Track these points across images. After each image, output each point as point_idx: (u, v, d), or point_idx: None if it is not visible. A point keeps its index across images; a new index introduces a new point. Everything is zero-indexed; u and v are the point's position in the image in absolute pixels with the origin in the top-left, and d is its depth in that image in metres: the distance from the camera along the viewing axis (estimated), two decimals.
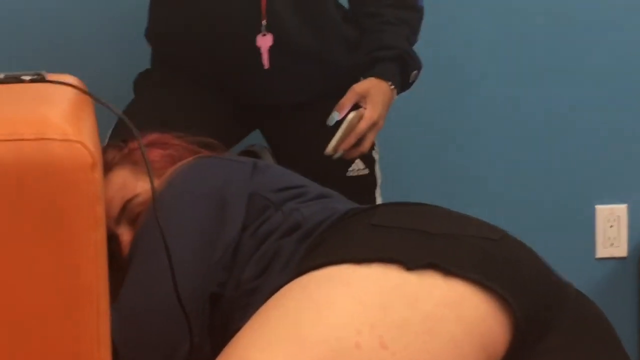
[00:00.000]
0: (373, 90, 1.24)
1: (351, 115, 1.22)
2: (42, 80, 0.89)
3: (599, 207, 1.62)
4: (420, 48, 1.31)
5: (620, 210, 1.61)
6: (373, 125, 1.24)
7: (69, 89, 0.88)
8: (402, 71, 1.29)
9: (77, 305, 0.70)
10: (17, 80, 0.89)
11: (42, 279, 0.69)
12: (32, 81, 0.89)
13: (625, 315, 1.59)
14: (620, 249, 1.61)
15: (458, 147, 1.63)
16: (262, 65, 1.25)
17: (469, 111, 1.62)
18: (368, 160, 1.34)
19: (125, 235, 1.07)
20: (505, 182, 1.62)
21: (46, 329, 0.70)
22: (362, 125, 1.22)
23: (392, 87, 1.27)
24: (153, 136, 1.12)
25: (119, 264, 0.98)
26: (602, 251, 1.63)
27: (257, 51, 1.24)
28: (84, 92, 0.88)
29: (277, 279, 0.89)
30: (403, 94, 1.33)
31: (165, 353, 0.92)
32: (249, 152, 1.24)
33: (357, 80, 1.28)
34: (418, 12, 1.31)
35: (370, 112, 1.23)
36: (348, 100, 1.24)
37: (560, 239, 1.57)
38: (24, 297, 0.69)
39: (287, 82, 1.29)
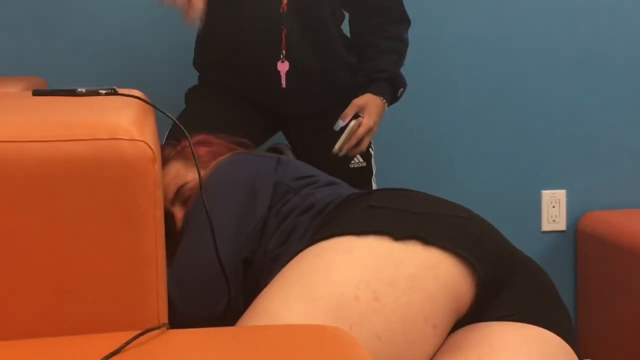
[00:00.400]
0: (369, 104, 1.54)
1: (352, 122, 1.52)
2: (115, 93, 1.08)
3: (544, 192, 1.99)
4: (406, 69, 1.64)
5: (560, 194, 1.99)
6: (369, 131, 1.53)
7: (135, 100, 1.06)
8: (391, 89, 1.59)
9: (141, 266, 0.89)
10: (95, 93, 1.09)
11: (115, 247, 0.87)
12: (107, 94, 1.09)
13: (564, 274, 1.97)
14: (560, 225, 1.99)
15: (433, 146, 1.99)
16: (281, 84, 1.54)
17: (440, 119, 1.97)
18: (366, 156, 1.63)
19: (179, 213, 1.28)
20: (471, 172, 1.97)
21: (118, 286, 0.88)
22: (361, 131, 1.51)
23: (384, 101, 1.57)
24: (200, 137, 1.34)
25: (173, 236, 1.18)
26: (546, 226, 2.00)
27: (277, 74, 1.53)
28: (147, 102, 1.07)
29: (295, 248, 1.09)
30: (392, 105, 1.64)
31: (209, 305, 1.12)
32: (274, 149, 1.50)
33: (357, 96, 1.57)
34: (404, 43, 1.62)
35: (367, 121, 1.52)
36: (350, 111, 1.53)
37: (513, 217, 1.92)
38: (103, 260, 0.87)
39: (300, 97, 1.58)
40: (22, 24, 1.94)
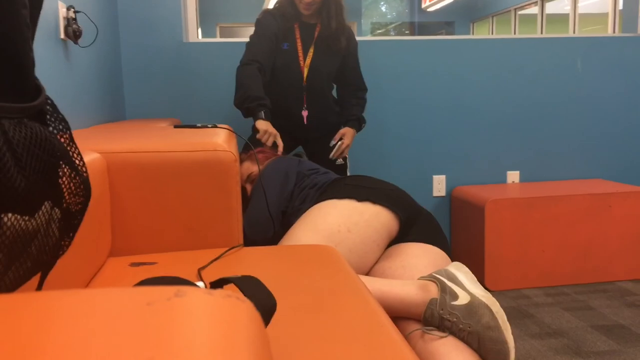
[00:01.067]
0: (347, 132, 2.52)
1: (339, 142, 2.48)
2: (215, 126, 1.75)
3: (435, 177, 3.20)
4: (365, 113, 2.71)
5: (442, 177, 3.20)
6: (347, 147, 2.50)
7: (226, 130, 1.72)
8: (358, 125, 2.57)
9: (230, 213, 1.46)
10: (205, 126, 1.77)
11: (217, 204, 1.44)
12: (212, 127, 1.76)
13: (445, 218, 3.19)
14: (442, 193, 3.20)
15: (379, 152, 3.11)
16: (304, 123, 2.44)
17: (380, 137, 3.06)
18: (344, 159, 2.48)
19: (248, 187, 1.91)
20: (398, 165, 3.09)
21: (218, 223, 1.44)
22: (342, 146, 2.49)
23: (355, 131, 2.54)
24: (259, 149, 2.03)
25: (245, 199, 1.75)
26: (435, 194, 3.20)
27: (302, 117, 2.45)
28: (232, 131, 1.74)
29: (307, 206, 1.70)
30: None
31: (263, 234, 1.69)
32: (297, 155, 2.24)
33: (340, 128, 2.53)
34: (364, 100, 2.62)
35: (346, 141, 2.49)
36: (337, 136, 2.49)
37: (419, 189, 3.15)
38: (211, 211, 1.44)
39: (313, 129, 2.43)
40: (170, 81, 2.84)
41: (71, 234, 0.71)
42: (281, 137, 2.19)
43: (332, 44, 2.39)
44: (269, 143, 2.09)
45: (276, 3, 2.42)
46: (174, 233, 1.51)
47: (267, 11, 2.38)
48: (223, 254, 1.40)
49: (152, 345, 0.29)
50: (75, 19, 1.95)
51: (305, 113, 2.45)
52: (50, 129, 0.63)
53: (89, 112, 2.21)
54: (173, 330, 0.31)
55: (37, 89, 0.62)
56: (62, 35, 1.90)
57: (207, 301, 0.35)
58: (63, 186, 0.64)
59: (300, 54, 2.38)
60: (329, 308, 1.03)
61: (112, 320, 0.32)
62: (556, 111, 3.20)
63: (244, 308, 0.37)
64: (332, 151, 2.48)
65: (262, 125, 2.09)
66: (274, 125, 2.19)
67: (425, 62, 3.07)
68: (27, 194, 0.57)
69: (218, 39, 3.07)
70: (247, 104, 2.13)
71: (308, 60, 2.39)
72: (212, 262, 1.34)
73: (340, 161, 2.52)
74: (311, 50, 2.39)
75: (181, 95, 2.91)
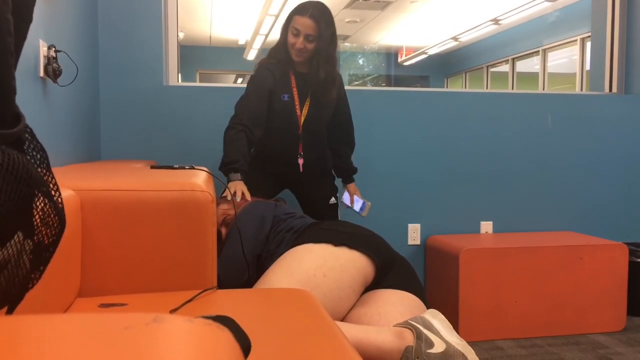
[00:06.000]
0: (354, 188, 2.68)
1: (364, 202, 2.67)
2: (192, 168, 1.76)
3: (410, 225, 3.20)
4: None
5: (417, 226, 3.20)
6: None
7: (204, 172, 1.71)
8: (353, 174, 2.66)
9: (204, 255, 1.43)
10: (183, 168, 1.76)
11: (191, 245, 1.41)
12: (189, 168, 1.76)
13: (420, 266, 3.19)
14: (417, 242, 3.20)
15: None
16: (299, 170, 2.46)
17: (363, 183, 2.91)
18: (336, 197, 2.63)
19: (223, 231, 1.89)
20: (376, 213, 2.86)
21: (191, 266, 1.42)
22: (368, 205, 2.65)
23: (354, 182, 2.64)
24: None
25: (220, 242, 1.75)
26: (410, 242, 3.20)
27: (298, 165, 2.46)
28: (209, 173, 1.75)
29: (283, 250, 1.68)
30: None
31: (238, 278, 1.66)
32: (277, 199, 2.20)
33: (331, 173, 2.67)
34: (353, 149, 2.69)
35: (358, 194, 2.67)
36: (351, 196, 2.67)
37: (394, 237, 3.15)
38: (184, 252, 1.41)
39: (308, 174, 2.50)
40: (148, 123, 2.84)
41: (42, 268, 0.69)
42: (278, 180, 2.38)
43: (322, 96, 2.43)
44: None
45: (270, 51, 2.46)
46: (146, 274, 1.48)
47: (263, 64, 2.42)
48: (196, 295, 1.37)
49: None
50: (55, 58, 1.96)
51: (301, 161, 2.48)
52: (28, 157, 0.62)
53: (63, 151, 2.19)
54: (152, 354, 0.30)
55: (17, 117, 0.61)
56: (42, 74, 1.89)
57: (186, 328, 0.34)
58: (37, 216, 0.63)
59: (297, 104, 2.42)
60: (305, 353, 1.01)
61: (88, 343, 0.31)
62: (528, 164, 3.28)
63: (224, 337, 0.36)
64: (356, 211, 2.66)
65: (231, 186, 2.12)
66: (271, 169, 2.46)
67: (402, 113, 3.14)
68: (0, 222, 0.56)
69: (198, 84, 3.10)
70: (222, 168, 2.22)
71: (305, 110, 2.43)
72: (184, 304, 1.31)
73: (333, 201, 2.59)
74: (307, 101, 2.44)
75: (159, 138, 2.90)
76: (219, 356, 0.33)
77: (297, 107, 2.40)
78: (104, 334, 0.32)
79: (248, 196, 2.07)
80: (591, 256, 2.81)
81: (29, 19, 0.67)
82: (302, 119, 2.41)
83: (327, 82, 2.39)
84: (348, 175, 2.66)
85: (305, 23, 2.30)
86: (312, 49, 2.34)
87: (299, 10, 2.33)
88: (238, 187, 2.10)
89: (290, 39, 2.34)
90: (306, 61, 2.41)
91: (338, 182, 2.71)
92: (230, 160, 2.18)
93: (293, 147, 2.46)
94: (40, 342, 0.30)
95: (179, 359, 0.30)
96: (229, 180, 2.17)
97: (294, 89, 2.40)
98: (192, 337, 0.33)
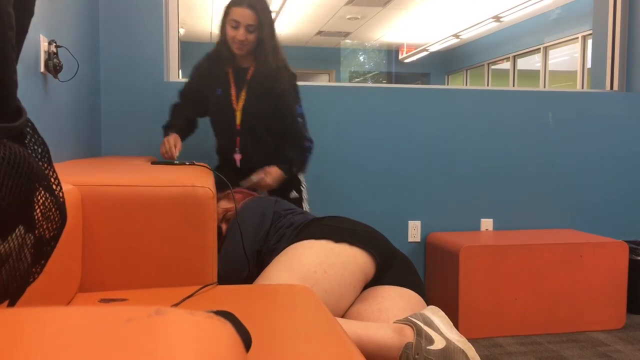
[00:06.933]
0: (273, 172, 2.35)
1: (259, 176, 2.34)
2: (193, 164, 1.74)
3: (410, 222, 3.18)
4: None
5: (417, 223, 3.19)
6: (266, 186, 2.34)
7: (204, 167, 1.72)
8: (289, 168, 2.39)
9: (204, 252, 1.43)
10: (183, 163, 1.76)
11: (192, 241, 1.41)
12: (189, 164, 1.75)
13: (420, 263, 3.18)
14: (418, 239, 3.19)
15: (357, 199, 3.10)
16: (236, 164, 2.41)
17: (357, 183, 3.07)
18: (299, 192, 2.51)
19: (223, 226, 1.89)
20: (374, 208, 3.10)
21: (192, 261, 1.41)
22: (262, 183, 2.34)
23: (282, 173, 2.36)
24: (237, 189, 2.03)
25: (220, 238, 1.74)
26: (410, 239, 3.18)
27: (234, 160, 2.41)
28: (209, 168, 1.75)
29: (283, 245, 1.67)
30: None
31: (238, 273, 1.66)
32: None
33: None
34: (306, 150, 2.45)
35: (267, 179, 2.32)
36: (261, 172, 2.34)
37: (394, 235, 3.14)
38: (184, 248, 1.41)
39: (246, 172, 2.38)
40: (148, 119, 2.83)
41: (43, 262, 0.69)
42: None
43: (268, 84, 2.35)
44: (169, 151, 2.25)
45: (216, 44, 2.44)
46: (146, 269, 1.47)
47: (206, 58, 2.47)
48: (197, 291, 1.37)
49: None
50: (56, 54, 1.95)
51: (238, 156, 2.43)
52: (29, 151, 0.62)
53: (64, 147, 2.18)
54: (153, 346, 0.30)
55: (19, 111, 0.61)
56: (42, 69, 1.89)
57: (188, 320, 0.35)
58: (38, 210, 0.63)
59: (234, 97, 2.39)
60: (305, 349, 1.01)
61: (91, 335, 0.31)
62: (529, 162, 3.28)
63: (226, 329, 0.36)
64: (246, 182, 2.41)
65: (165, 141, 2.29)
66: (222, 165, 2.50)
67: (402, 110, 3.13)
68: (1, 216, 0.56)
69: None
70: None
71: (241, 104, 2.37)
72: (185, 299, 1.31)
73: (293, 195, 2.48)
74: (243, 93, 2.38)
75: (159, 134, 2.88)
76: (221, 348, 0.33)
77: (234, 101, 2.38)
78: (107, 326, 0.32)
79: (179, 146, 2.28)
80: (591, 254, 2.81)
81: (30, 13, 0.67)
82: (239, 113, 2.37)
83: (279, 73, 2.34)
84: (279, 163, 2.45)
85: (244, 13, 2.25)
86: (253, 40, 2.30)
87: (235, 2, 2.28)
88: (171, 138, 2.28)
89: (230, 32, 2.29)
90: (248, 54, 2.36)
91: (310, 178, 2.69)
92: (166, 126, 2.43)
93: (230, 141, 2.42)
94: (42, 333, 0.30)
95: (181, 351, 0.30)
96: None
97: (232, 84, 2.38)
98: (194, 329, 0.34)
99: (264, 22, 2.28)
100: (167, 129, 2.45)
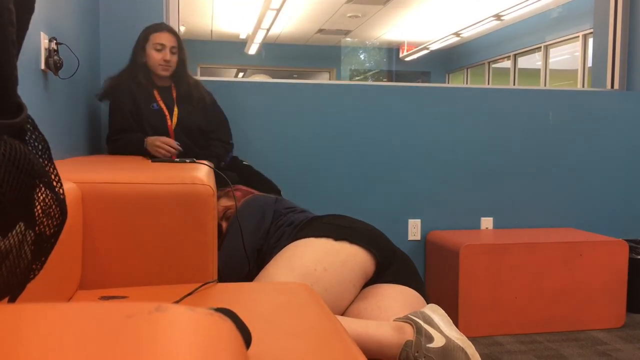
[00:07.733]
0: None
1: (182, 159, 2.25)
2: (193, 161, 1.75)
3: (410, 220, 3.19)
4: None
5: (417, 222, 3.20)
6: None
7: (204, 165, 1.71)
8: (217, 161, 2.45)
9: (205, 250, 1.42)
10: (183, 161, 1.76)
11: (192, 239, 1.40)
12: (190, 162, 1.75)
13: (420, 261, 3.17)
14: (418, 237, 3.19)
15: (356, 197, 3.12)
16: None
17: (357, 181, 3.09)
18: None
19: (223, 224, 1.89)
20: (376, 207, 3.13)
21: (192, 259, 1.41)
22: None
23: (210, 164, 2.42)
24: (237, 186, 2.03)
25: (221, 236, 1.75)
26: (410, 237, 3.19)
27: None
28: (210, 166, 1.74)
29: (283, 243, 1.67)
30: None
31: (238, 271, 1.66)
32: (278, 192, 2.23)
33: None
34: (228, 151, 2.59)
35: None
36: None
37: (394, 233, 3.10)
38: (185, 246, 1.40)
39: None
40: None
41: (43, 258, 0.69)
42: None
43: (193, 98, 2.52)
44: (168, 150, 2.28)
45: (125, 73, 2.50)
46: (147, 267, 1.47)
47: (115, 87, 2.50)
48: (197, 289, 1.37)
49: (131, 357, 0.28)
50: (57, 51, 1.95)
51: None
52: (30, 147, 0.62)
53: (64, 144, 2.18)
54: (154, 342, 0.30)
55: (19, 107, 0.61)
56: (43, 66, 1.89)
57: (188, 317, 0.35)
58: (38, 206, 0.63)
59: (166, 113, 2.48)
60: (306, 347, 1.01)
61: (92, 331, 0.31)
62: (529, 160, 3.28)
63: (226, 326, 0.36)
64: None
65: (150, 140, 2.32)
66: None
67: (403, 108, 3.13)
68: (1, 212, 0.56)
69: (199, 77, 3.09)
70: (146, 154, 2.34)
71: (175, 120, 2.48)
72: (185, 296, 1.30)
73: (247, 162, 2.61)
74: (175, 111, 2.50)
75: None
76: (221, 345, 0.33)
77: (168, 118, 2.48)
78: (107, 322, 0.32)
79: (174, 144, 2.31)
80: (591, 253, 2.81)
81: (31, 10, 0.67)
82: (173, 126, 2.48)
83: (198, 86, 2.57)
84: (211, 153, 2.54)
85: (167, 37, 2.47)
86: (176, 61, 2.49)
87: (154, 28, 2.49)
88: (159, 138, 2.31)
89: (156, 55, 2.46)
90: (169, 75, 2.51)
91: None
92: (138, 142, 2.38)
93: (162, 122, 2.49)
94: (43, 329, 0.30)
95: (182, 347, 0.30)
96: (150, 153, 2.31)
97: (161, 102, 2.49)
98: (195, 325, 0.34)
99: (181, 45, 2.52)
100: (142, 143, 2.41)
